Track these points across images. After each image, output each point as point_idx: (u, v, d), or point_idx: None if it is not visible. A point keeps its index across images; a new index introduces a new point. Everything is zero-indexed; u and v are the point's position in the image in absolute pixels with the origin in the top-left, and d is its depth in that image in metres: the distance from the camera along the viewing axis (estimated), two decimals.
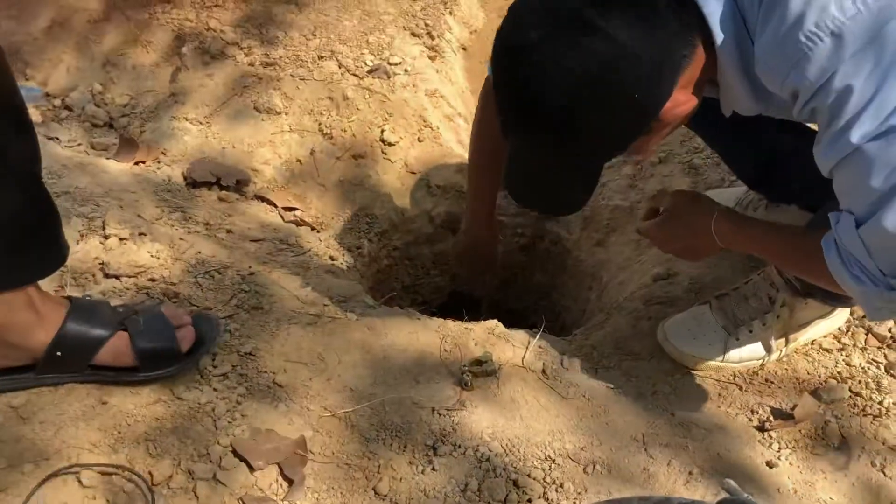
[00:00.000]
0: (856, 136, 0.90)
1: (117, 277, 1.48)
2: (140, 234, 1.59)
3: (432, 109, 2.11)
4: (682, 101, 1.05)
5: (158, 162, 2.00)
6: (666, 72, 1.00)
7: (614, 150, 1.10)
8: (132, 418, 1.20)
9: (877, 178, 0.90)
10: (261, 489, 1.15)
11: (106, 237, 1.56)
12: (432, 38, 2.32)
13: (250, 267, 1.56)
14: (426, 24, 2.35)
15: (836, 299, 1.33)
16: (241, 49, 2.18)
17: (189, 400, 1.24)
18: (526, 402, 1.32)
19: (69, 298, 1.22)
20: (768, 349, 1.38)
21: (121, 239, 1.56)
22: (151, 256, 1.53)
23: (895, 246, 0.94)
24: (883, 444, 1.27)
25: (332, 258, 1.85)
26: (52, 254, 1.17)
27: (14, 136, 1.06)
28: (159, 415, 1.22)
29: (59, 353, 1.17)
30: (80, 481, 1.11)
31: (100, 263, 1.50)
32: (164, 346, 1.22)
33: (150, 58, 2.31)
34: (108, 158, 1.99)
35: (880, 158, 0.90)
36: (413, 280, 2.15)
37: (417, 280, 2.15)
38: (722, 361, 1.39)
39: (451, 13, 2.50)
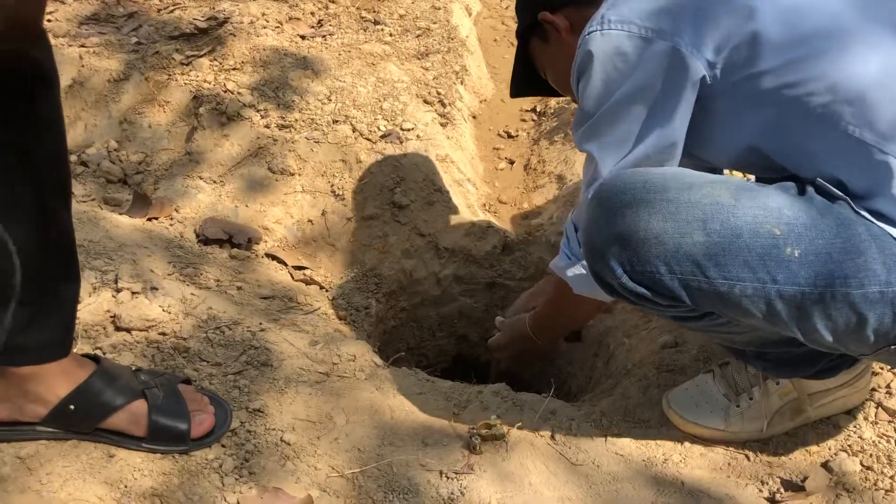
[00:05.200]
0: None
1: (128, 331, 1.49)
2: (152, 288, 1.60)
3: (443, 174, 2.15)
4: (563, 29, 1.40)
5: (171, 219, 2.03)
6: None
7: (522, 17, 1.50)
8: (139, 472, 1.19)
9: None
10: None
11: (118, 290, 1.57)
12: (444, 105, 2.38)
13: (260, 324, 1.57)
14: (438, 93, 2.40)
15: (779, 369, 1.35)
16: (258, 111, 2.23)
17: (197, 456, 1.23)
18: (535, 468, 1.31)
19: (96, 360, 1.23)
20: (769, 416, 1.37)
21: (133, 293, 1.57)
22: (163, 311, 1.54)
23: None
24: None
25: (340, 318, 1.86)
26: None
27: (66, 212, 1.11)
28: (166, 470, 1.21)
29: (71, 407, 1.17)
30: None
31: (111, 316, 1.50)
32: (178, 427, 1.22)
33: (167, 117, 2.35)
34: (121, 214, 2.02)
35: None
36: (419, 342, 2.15)
37: (423, 342, 2.16)
38: (724, 429, 1.38)
39: (462, 83, 2.57)
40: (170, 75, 2.42)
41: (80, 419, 1.19)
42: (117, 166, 2.27)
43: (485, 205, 2.28)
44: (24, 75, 1.00)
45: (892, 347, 1.12)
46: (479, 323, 2.17)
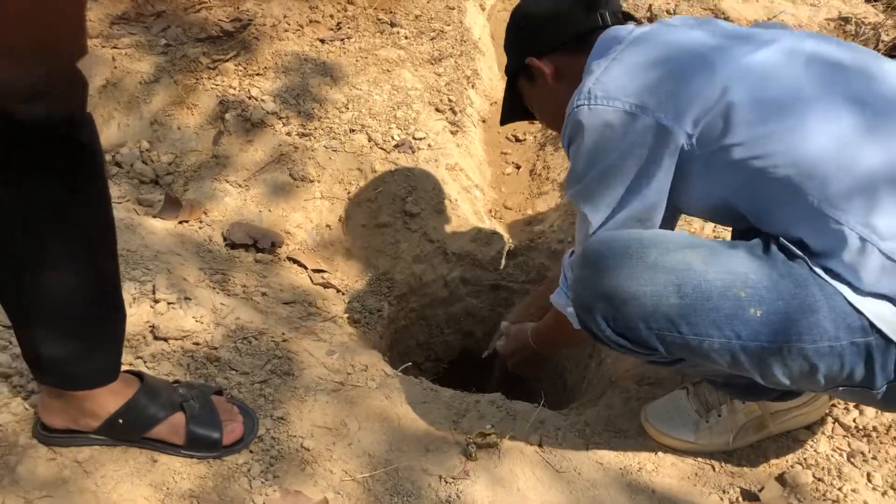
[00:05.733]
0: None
1: (165, 340, 1.67)
2: (185, 298, 1.78)
3: (451, 182, 2.30)
4: (547, 74, 1.55)
5: (200, 222, 2.20)
6: (549, 31, 1.55)
7: (511, 58, 1.65)
8: (179, 476, 1.38)
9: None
10: None
11: (156, 301, 1.75)
12: (455, 113, 2.51)
13: (283, 334, 1.75)
14: (450, 100, 2.54)
15: (746, 394, 1.51)
16: (280, 118, 2.38)
17: (228, 461, 1.42)
18: (523, 474, 1.49)
19: (140, 376, 1.41)
20: (734, 431, 1.54)
21: (169, 303, 1.75)
22: (196, 321, 1.72)
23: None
24: None
25: (355, 321, 2.03)
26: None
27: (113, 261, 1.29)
28: (202, 473, 1.40)
29: (120, 421, 1.36)
30: None
31: (150, 326, 1.69)
32: (212, 436, 1.40)
33: (195, 120, 2.51)
34: (154, 216, 2.19)
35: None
36: (427, 338, 2.33)
37: (431, 338, 2.33)
38: (694, 442, 1.55)
39: (472, 86, 2.70)
40: (197, 79, 2.57)
41: (128, 431, 1.38)
42: (149, 167, 2.43)
43: (491, 210, 2.44)
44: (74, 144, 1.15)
45: (841, 388, 1.27)
46: (483, 321, 2.34)
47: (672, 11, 3.01)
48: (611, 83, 1.31)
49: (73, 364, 1.28)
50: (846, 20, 2.99)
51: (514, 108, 1.73)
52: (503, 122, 1.80)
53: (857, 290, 1.20)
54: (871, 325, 1.19)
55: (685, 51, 1.33)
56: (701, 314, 1.21)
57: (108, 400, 1.36)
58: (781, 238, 1.26)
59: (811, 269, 1.23)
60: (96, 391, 1.34)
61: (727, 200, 1.33)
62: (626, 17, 1.61)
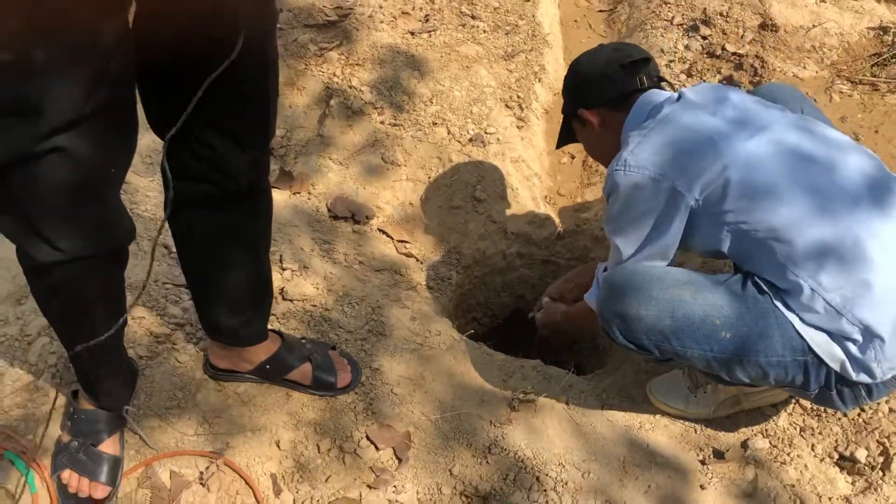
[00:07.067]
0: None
1: (291, 301, 2.23)
2: (304, 267, 2.32)
3: (514, 173, 2.77)
4: (595, 123, 2.03)
5: (309, 194, 2.72)
6: (597, 90, 2.02)
7: (567, 103, 2.14)
8: (306, 408, 1.95)
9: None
10: (382, 462, 1.89)
11: (283, 269, 2.30)
12: (521, 109, 2.95)
13: (378, 301, 2.29)
14: (518, 97, 2.97)
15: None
16: (375, 109, 2.86)
17: (340, 399, 1.98)
18: (552, 425, 2.02)
19: (281, 336, 1.96)
20: (715, 405, 2.04)
21: (293, 271, 2.30)
22: (314, 287, 2.26)
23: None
24: (780, 482, 1.94)
25: (430, 287, 2.56)
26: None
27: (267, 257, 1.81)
28: (322, 407, 1.97)
29: (267, 367, 1.92)
30: (277, 445, 1.88)
31: (280, 290, 2.24)
32: (329, 380, 1.96)
33: (304, 100, 3.00)
34: (272, 186, 2.71)
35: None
36: (486, 299, 2.85)
37: (490, 299, 2.85)
38: (684, 410, 2.06)
39: (539, 81, 3.12)
40: (306, 65, 3.04)
41: (272, 374, 1.95)
42: None
43: (546, 196, 2.91)
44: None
45: (786, 388, 1.76)
46: (534, 287, 2.84)
47: (725, 14, 3.34)
48: (641, 155, 1.77)
49: (240, 330, 1.84)
50: (885, 30, 3.28)
51: (567, 138, 2.20)
52: (558, 147, 2.27)
53: (804, 321, 1.67)
54: (810, 348, 1.66)
55: (698, 133, 1.77)
56: (686, 333, 1.70)
57: (260, 351, 1.92)
58: (756, 277, 1.73)
59: (773, 303, 1.70)
60: (253, 346, 1.90)
61: (721, 248, 1.79)
62: (660, 80, 2.04)
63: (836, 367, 1.64)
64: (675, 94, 1.93)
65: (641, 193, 1.77)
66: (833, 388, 1.69)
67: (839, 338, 1.64)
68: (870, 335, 1.60)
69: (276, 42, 1.43)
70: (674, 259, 1.87)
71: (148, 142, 2.62)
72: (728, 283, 1.75)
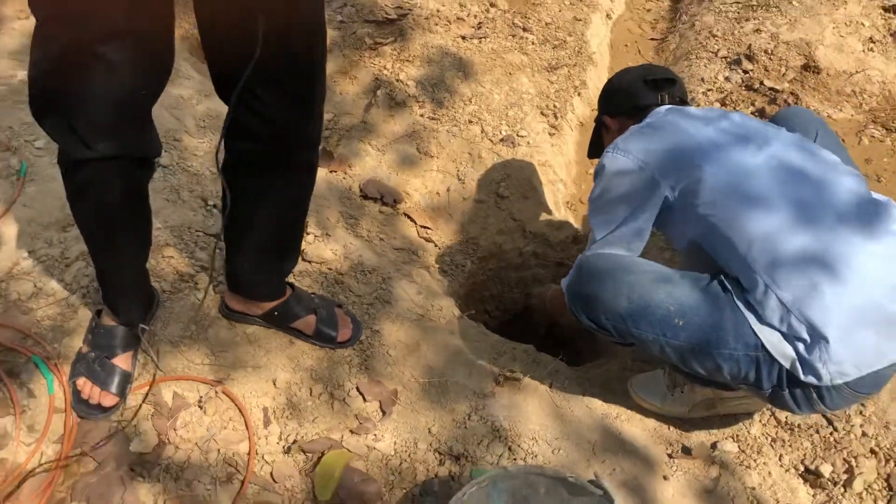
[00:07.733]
0: None
1: (309, 262, 2.40)
2: (327, 234, 2.50)
3: (540, 175, 2.91)
4: (614, 129, 2.20)
5: (345, 174, 2.90)
6: (620, 99, 2.22)
7: (599, 111, 2.34)
8: (306, 355, 2.12)
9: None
10: (367, 413, 2.04)
11: (307, 233, 2.48)
12: (556, 118, 3.09)
13: (390, 273, 2.45)
14: (554, 106, 3.12)
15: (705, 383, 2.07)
16: (417, 102, 3.04)
17: (339, 352, 2.14)
18: (532, 403, 2.14)
19: (292, 287, 2.14)
20: (691, 405, 2.12)
21: (315, 236, 2.48)
22: (332, 253, 2.44)
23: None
24: (742, 484, 2.01)
25: (443, 271, 2.71)
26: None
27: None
28: (320, 356, 2.13)
29: (276, 313, 2.09)
30: (274, 383, 2.05)
31: (301, 251, 2.41)
32: (331, 333, 2.12)
33: (353, 89, 3.20)
34: None
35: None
36: (499, 293, 2.98)
37: (502, 293, 2.99)
38: (660, 407, 2.15)
39: (578, 94, 3.26)
40: (360, 56, 3.25)
41: (280, 320, 2.12)
42: None
43: (568, 202, 3.03)
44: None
45: (743, 386, 1.85)
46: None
47: (770, 52, 3.43)
48: (632, 144, 1.91)
49: (259, 286, 2.02)
50: None
51: (598, 146, 2.33)
52: (589, 156, 2.42)
53: (760, 320, 1.76)
54: (762, 345, 1.75)
55: (690, 136, 1.89)
56: (641, 316, 1.81)
57: (271, 300, 2.09)
58: (723, 276, 1.83)
59: (734, 300, 1.79)
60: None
61: (696, 240, 1.90)
62: (683, 102, 2.17)
63: (787, 364, 1.73)
64: (682, 107, 2.06)
65: (624, 177, 1.91)
66: (785, 388, 1.77)
67: (791, 337, 1.72)
68: (816, 335, 1.69)
69: (324, 8, 1.61)
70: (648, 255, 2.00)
71: (204, 108, 2.85)
72: (694, 278, 1.86)
